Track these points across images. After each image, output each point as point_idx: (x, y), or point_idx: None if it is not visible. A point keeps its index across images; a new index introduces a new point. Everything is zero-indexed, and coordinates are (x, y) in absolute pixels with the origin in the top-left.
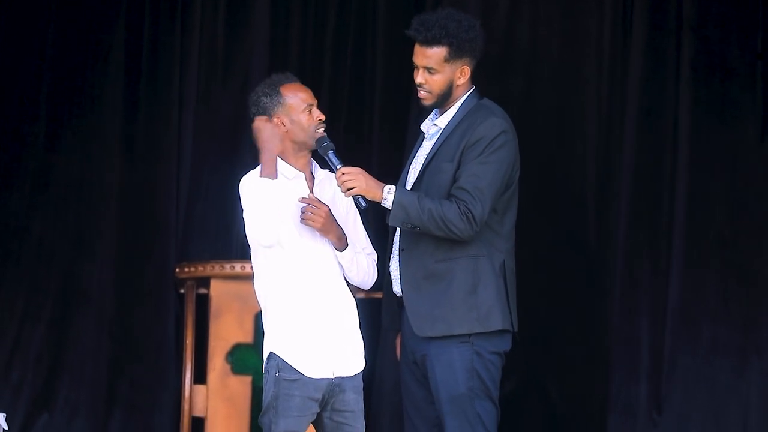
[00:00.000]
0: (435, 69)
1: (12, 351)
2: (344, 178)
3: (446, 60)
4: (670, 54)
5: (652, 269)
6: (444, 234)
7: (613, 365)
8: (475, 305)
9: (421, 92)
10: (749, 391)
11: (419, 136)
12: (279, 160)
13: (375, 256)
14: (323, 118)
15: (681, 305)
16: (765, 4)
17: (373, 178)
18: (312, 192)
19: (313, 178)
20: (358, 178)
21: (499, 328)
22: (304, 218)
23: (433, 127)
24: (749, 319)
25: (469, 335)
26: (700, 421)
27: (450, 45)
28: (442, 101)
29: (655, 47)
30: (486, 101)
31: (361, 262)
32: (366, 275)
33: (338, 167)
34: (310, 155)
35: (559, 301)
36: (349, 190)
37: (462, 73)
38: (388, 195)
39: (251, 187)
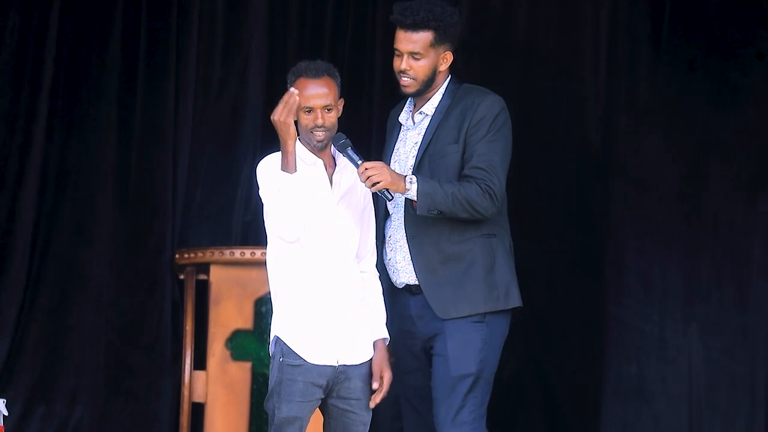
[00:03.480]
0: (421, 54)
1: (11, 339)
2: (369, 173)
3: (432, 45)
4: (666, 39)
5: (645, 252)
6: (469, 215)
7: (606, 347)
8: (495, 284)
9: (405, 79)
10: (741, 372)
11: (393, 130)
12: (299, 145)
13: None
14: (320, 122)
15: (675, 287)
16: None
17: (394, 171)
18: (331, 180)
19: (335, 164)
20: (382, 171)
21: (518, 305)
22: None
23: (418, 115)
24: (742, 301)
25: (485, 314)
26: (693, 402)
27: (436, 29)
28: (425, 88)
29: (652, 31)
30: (468, 84)
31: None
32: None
33: (359, 163)
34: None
35: (556, 286)
36: (374, 184)
37: (445, 59)
38: (411, 185)
39: (271, 178)
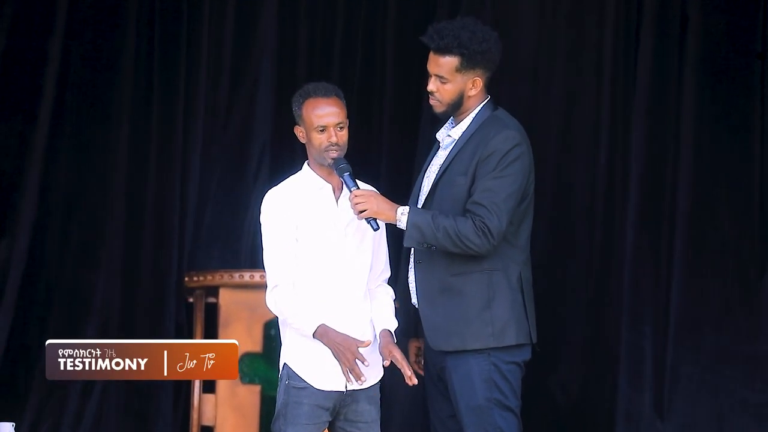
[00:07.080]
0: (446, 78)
1: (14, 361)
2: (356, 200)
3: (458, 70)
4: (673, 60)
5: (656, 278)
6: (461, 251)
7: (617, 374)
8: (490, 320)
9: (432, 100)
10: (754, 400)
11: (434, 145)
12: (306, 168)
13: (393, 295)
14: (335, 140)
15: (685, 314)
16: (766, 5)
17: (387, 200)
18: (337, 202)
19: (343, 188)
20: (370, 200)
21: (514, 343)
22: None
23: (448, 138)
24: (752, 328)
25: (486, 349)
26: (703, 430)
27: (461, 55)
28: (453, 110)
29: (659, 54)
30: (500, 113)
31: (380, 303)
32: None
33: (352, 189)
34: None
35: (566, 310)
36: (361, 212)
37: (474, 85)
38: (402, 216)
39: (272, 225)
